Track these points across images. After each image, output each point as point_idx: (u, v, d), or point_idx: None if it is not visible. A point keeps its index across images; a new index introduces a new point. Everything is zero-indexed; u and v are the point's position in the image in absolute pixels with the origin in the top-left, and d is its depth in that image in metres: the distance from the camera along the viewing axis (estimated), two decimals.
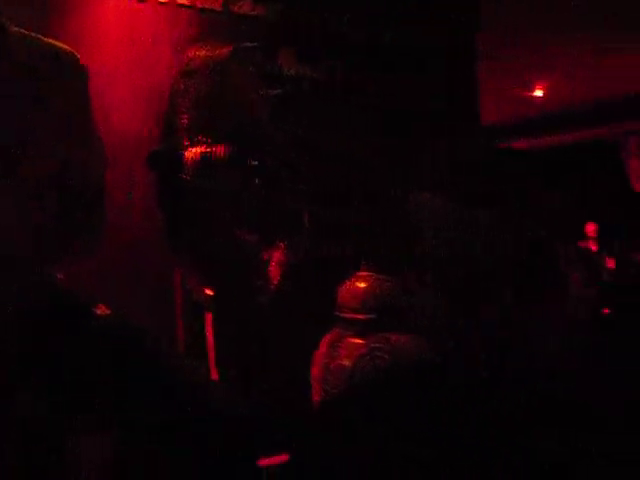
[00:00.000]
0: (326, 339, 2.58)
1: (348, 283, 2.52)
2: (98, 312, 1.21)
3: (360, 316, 2.45)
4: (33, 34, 1.28)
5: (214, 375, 2.44)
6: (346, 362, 2.44)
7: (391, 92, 3.46)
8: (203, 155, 2.25)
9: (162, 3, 2.76)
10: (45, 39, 1.31)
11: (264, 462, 2.56)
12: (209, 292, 2.43)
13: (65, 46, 1.35)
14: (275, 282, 2.27)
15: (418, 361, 0.91)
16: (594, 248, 9.64)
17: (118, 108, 2.59)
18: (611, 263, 8.52)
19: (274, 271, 2.27)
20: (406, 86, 3.51)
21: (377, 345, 2.44)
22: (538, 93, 8.72)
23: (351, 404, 0.89)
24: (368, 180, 3.25)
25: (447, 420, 0.80)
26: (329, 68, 3.14)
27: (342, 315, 2.51)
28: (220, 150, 2.26)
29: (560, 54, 7.11)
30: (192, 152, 2.29)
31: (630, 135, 11.07)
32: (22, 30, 1.27)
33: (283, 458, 2.66)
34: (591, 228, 10.02)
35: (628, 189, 11.12)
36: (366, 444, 0.82)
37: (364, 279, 2.49)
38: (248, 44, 2.40)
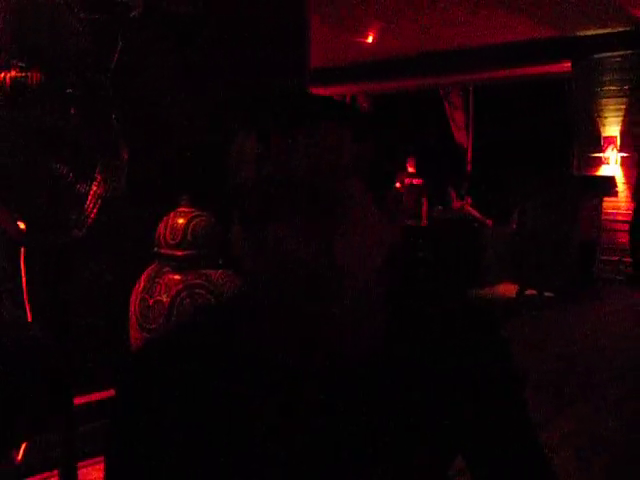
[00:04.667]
0: (145, 275, 2.56)
1: (167, 219, 2.49)
2: None
3: (178, 252, 2.44)
4: None
5: (28, 311, 2.36)
6: (164, 298, 2.44)
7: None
8: (16, 80, 2.12)
9: None
10: None
11: (80, 400, 2.54)
12: (22, 226, 2.33)
13: None
14: (92, 216, 2.21)
15: (236, 298, 0.90)
16: (416, 181, 9.99)
17: None
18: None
19: (91, 205, 2.21)
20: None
21: (195, 282, 2.46)
22: (368, 40, 8.90)
23: (169, 342, 0.88)
24: (190, 121, 3.23)
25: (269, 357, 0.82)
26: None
27: (161, 251, 2.49)
28: (35, 76, 2.14)
29: (390, 5, 7.30)
30: (4, 76, 2.16)
31: (453, 88, 11.62)
32: None
33: (106, 394, 2.67)
34: (411, 162, 10.39)
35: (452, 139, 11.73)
36: (188, 381, 0.82)
37: (183, 215, 2.48)
38: None
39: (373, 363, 0.82)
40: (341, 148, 0.74)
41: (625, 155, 8.57)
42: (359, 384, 0.82)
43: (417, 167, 10.47)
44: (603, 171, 8.70)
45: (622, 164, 8.61)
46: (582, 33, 8.57)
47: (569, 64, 9.07)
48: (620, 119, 8.61)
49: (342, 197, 0.74)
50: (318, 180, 0.72)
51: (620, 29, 8.28)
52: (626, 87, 8.52)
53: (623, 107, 8.58)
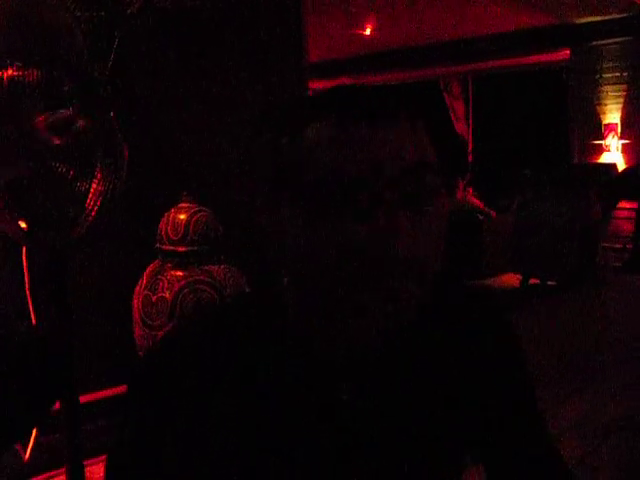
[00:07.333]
0: (147, 272, 2.55)
1: (168, 215, 2.49)
2: None
3: (180, 248, 2.44)
4: None
5: (31, 310, 2.36)
6: (167, 295, 2.43)
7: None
8: (13, 79, 2.11)
9: None
10: None
11: (85, 398, 2.54)
12: (23, 225, 2.32)
13: None
14: (93, 214, 2.20)
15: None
16: None
17: None
18: None
19: (91, 202, 2.20)
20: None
21: (198, 278, 2.45)
22: (366, 32, 8.88)
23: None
24: (189, 116, 3.22)
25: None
26: None
27: (163, 247, 2.48)
28: (32, 75, 2.13)
29: None
30: (0, 75, 2.15)
31: (453, 79, 11.59)
32: None
33: (111, 392, 2.67)
34: None
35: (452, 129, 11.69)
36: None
37: (184, 211, 2.47)
38: None
39: (377, 359, 0.80)
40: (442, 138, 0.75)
41: (626, 142, 8.55)
42: (366, 379, 0.81)
43: None
44: (604, 159, 8.68)
45: (623, 151, 8.58)
46: (580, 20, 8.53)
47: (568, 52, 9.04)
48: (620, 106, 8.58)
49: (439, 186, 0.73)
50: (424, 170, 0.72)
51: (618, 15, 8.24)
52: (625, 74, 8.49)
53: (623, 94, 8.55)
